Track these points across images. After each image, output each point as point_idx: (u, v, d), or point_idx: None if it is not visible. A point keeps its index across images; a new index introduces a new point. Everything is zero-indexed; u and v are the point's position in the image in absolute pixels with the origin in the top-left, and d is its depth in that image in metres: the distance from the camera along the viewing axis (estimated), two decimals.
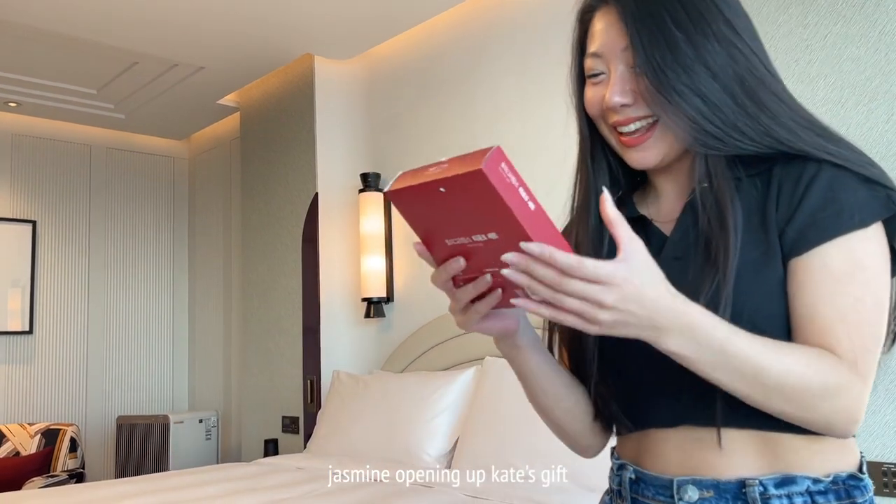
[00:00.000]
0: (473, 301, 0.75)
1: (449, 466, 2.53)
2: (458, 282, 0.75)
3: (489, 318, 0.79)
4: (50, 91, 3.95)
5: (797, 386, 0.71)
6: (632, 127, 0.84)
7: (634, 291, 0.67)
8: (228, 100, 4.15)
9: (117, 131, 4.60)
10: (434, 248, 0.75)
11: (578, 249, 0.88)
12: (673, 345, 0.70)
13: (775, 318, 0.77)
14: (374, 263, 3.30)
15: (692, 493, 0.80)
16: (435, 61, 3.27)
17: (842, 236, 0.75)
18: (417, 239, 0.76)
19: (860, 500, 0.78)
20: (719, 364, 0.71)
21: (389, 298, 3.32)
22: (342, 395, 3.00)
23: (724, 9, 0.82)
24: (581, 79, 0.91)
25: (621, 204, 0.90)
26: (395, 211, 3.38)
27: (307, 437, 3.25)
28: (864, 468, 0.81)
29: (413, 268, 3.28)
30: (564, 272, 0.65)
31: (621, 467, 0.90)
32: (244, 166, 3.97)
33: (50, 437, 3.77)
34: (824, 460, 0.78)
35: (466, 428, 2.53)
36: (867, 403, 0.75)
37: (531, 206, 0.66)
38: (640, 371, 0.83)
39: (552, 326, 0.93)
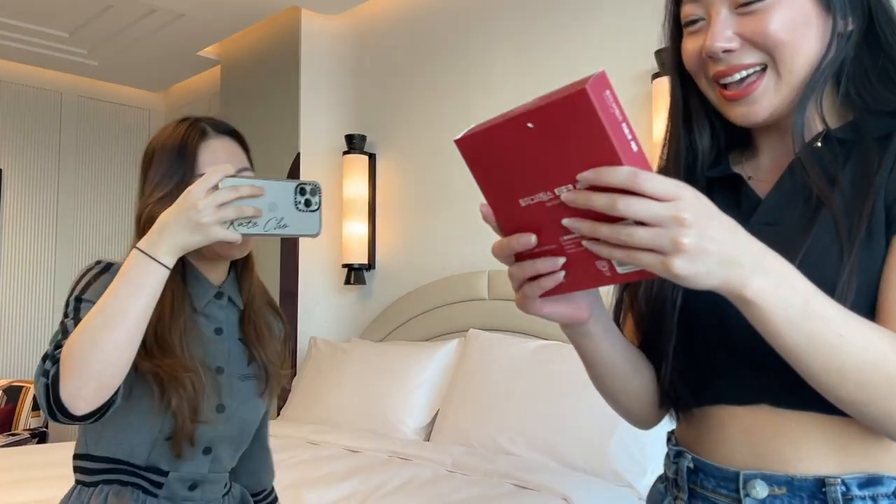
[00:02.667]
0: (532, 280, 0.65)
1: (428, 439, 2.47)
2: (524, 255, 0.65)
3: (556, 303, 0.69)
4: (19, 32, 3.75)
5: (878, 368, 0.62)
6: (736, 76, 0.74)
7: (711, 209, 0.58)
8: (209, 52, 3.98)
9: (90, 79, 4.41)
10: (503, 210, 0.65)
11: None
12: (755, 287, 0.60)
13: (869, 307, 0.68)
14: (357, 229, 3.20)
15: (760, 490, 0.72)
16: (428, 22, 3.15)
17: None
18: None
19: None
20: (798, 322, 0.61)
21: (371, 266, 3.23)
22: (319, 362, 2.92)
23: None
24: (676, 33, 0.81)
25: (716, 162, 0.82)
26: (379, 175, 3.28)
27: (281, 404, 3.17)
28: None
29: (397, 235, 3.18)
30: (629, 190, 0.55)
31: (679, 454, 0.81)
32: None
33: (12, 394, 3.64)
34: None
35: (447, 401, 2.47)
36: None
37: (633, 147, 0.56)
38: (720, 337, 0.75)
39: (622, 301, 0.85)
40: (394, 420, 2.52)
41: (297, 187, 0.98)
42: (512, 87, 2.81)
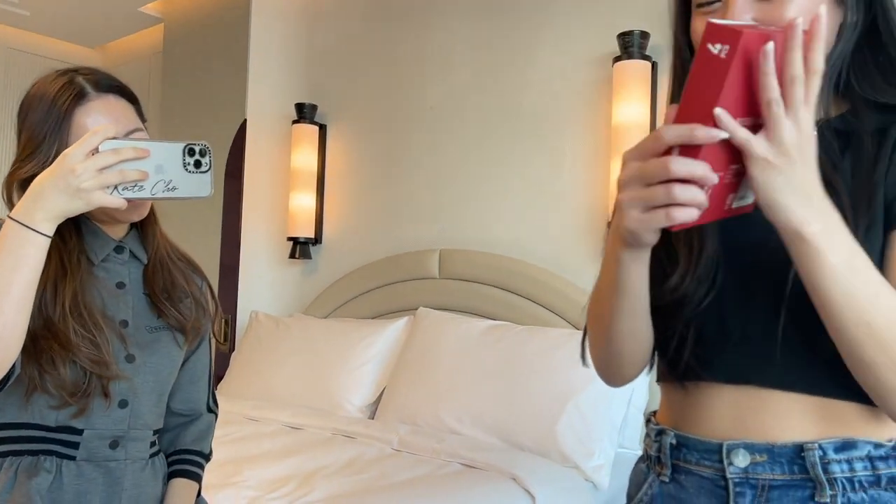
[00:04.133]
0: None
1: (373, 417, 2.43)
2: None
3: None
4: None
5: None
6: None
7: (814, 157, 0.66)
8: (151, 8, 3.78)
9: (20, 30, 4.13)
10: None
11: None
12: (815, 228, 0.65)
13: None
14: (304, 201, 3.11)
15: (743, 458, 0.77)
16: None
17: None
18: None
19: None
20: (842, 273, 0.66)
21: (318, 240, 3.14)
22: (260, 337, 2.83)
23: None
24: (684, 11, 0.83)
25: None
26: (329, 147, 3.18)
27: (218, 379, 3.06)
28: None
29: (346, 209, 3.10)
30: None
31: (660, 432, 0.85)
32: (165, 86, 3.64)
33: None
34: (885, 425, 0.75)
35: (394, 379, 2.42)
36: None
37: None
38: (722, 317, 0.78)
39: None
40: (338, 397, 2.47)
41: (185, 148, 0.96)
42: (470, 63, 2.76)
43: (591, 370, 0.93)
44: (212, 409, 1.29)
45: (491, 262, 2.56)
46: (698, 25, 0.80)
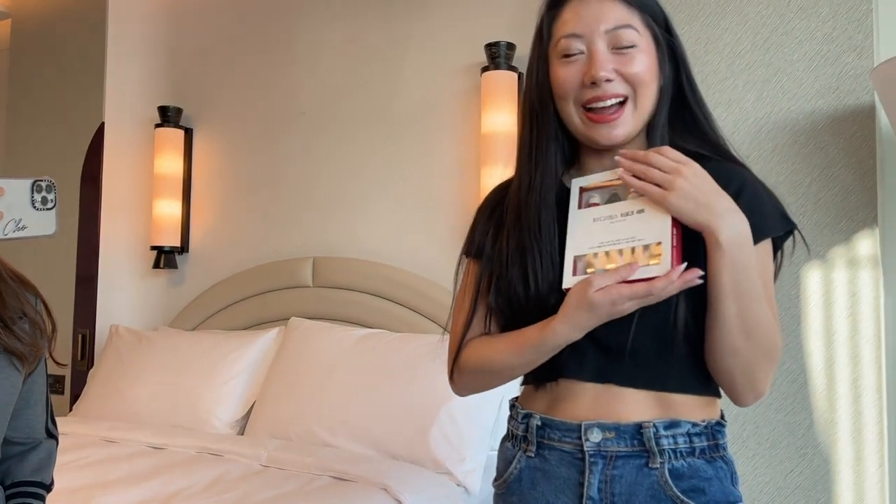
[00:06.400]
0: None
1: (242, 433, 2.34)
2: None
3: None
4: None
5: (763, 325, 0.90)
6: (607, 103, 0.95)
7: (704, 174, 0.88)
8: None
9: None
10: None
11: (536, 225, 1.00)
12: (728, 228, 0.86)
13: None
14: (169, 209, 2.96)
15: (596, 434, 0.96)
16: None
17: (759, 243, 0.93)
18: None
19: (721, 441, 0.99)
20: (740, 272, 0.87)
21: (184, 249, 3.00)
22: (120, 352, 2.66)
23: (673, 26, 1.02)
24: (545, 63, 1.00)
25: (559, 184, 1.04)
26: (196, 152, 3.06)
27: (74, 399, 2.86)
28: (724, 417, 1.02)
29: (214, 216, 2.99)
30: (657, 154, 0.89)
31: (527, 416, 1.03)
32: (13, 85, 3.36)
33: None
34: (702, 411, 0.98)
35: (264, 392, 2.35)
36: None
37: None
38: (592, 330, 0.93)
39: (476, 301, 1.06)
40: (204, 413, 2.36)
41: (32, 185, 0.93)
42: (341, 72, 2.73)
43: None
44: (52, 433, 1.20)
45: (366, 269, 2.54)
46: (561, 73, 0.97)
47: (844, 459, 1.77)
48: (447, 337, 1.12)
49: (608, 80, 0.94)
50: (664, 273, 0.85)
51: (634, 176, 0.90)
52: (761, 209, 0.94)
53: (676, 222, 0.88)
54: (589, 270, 0.92)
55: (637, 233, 0.89)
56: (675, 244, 0.87)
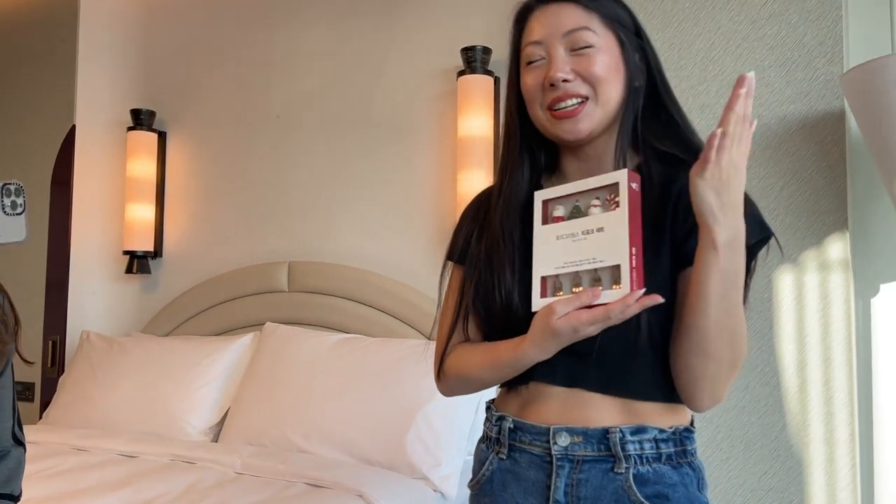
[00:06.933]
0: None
1: (216, 440, 2.31)
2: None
3: None
4: None
5: (738, 334, 0.91)
6: (568, 102, 0.99)
7: (744, 172, 0.86)
8: None
9: None
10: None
11: (501, 232, 1.04)
12: (726, 227, 0.85)
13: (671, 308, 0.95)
14: (142, 213, 2.92)
15: (564, 439, 0.98)
16: None
17: None
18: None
19: (689, 447, 1.00)
20: (725, 278, 0.87)
21: (157, 253, 2.96)
22: (91, 359, 2.62)
23: (640, 21, 1.05)
24: (517, 73, 1.05)
25: (537, 186, 1.05)
26: (170, 155, 3.02)
27: (45, 406, 2.81)
28: (694, 424, 1.03)
29: (188, 221, 2.95)
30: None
31: (500, 418, 1.05)
32: None
33: None
34: (669, 418, 0.99)
35: (239, 399, 2.32)
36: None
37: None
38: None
39: (459, 307, 1.09)
40: (178, 420, 2.33)
41: (1, 188, 0.90)
42: (317, 75, 2.72)
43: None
44: (19, 439, 1.17)
45: (341, 273, 2.53)
46: (528, 79, 1.02)
47: (817, 461, 1.79)
48: (432, 344, 1.16)
49: (566, 81, 0.98)
50: (622, 297, 0.86)
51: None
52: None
53: (636, 241, 0.88)
54: (558, 294, 0.94)
55: (598, 254, 0.90)
56: (634, 265, 0.87)
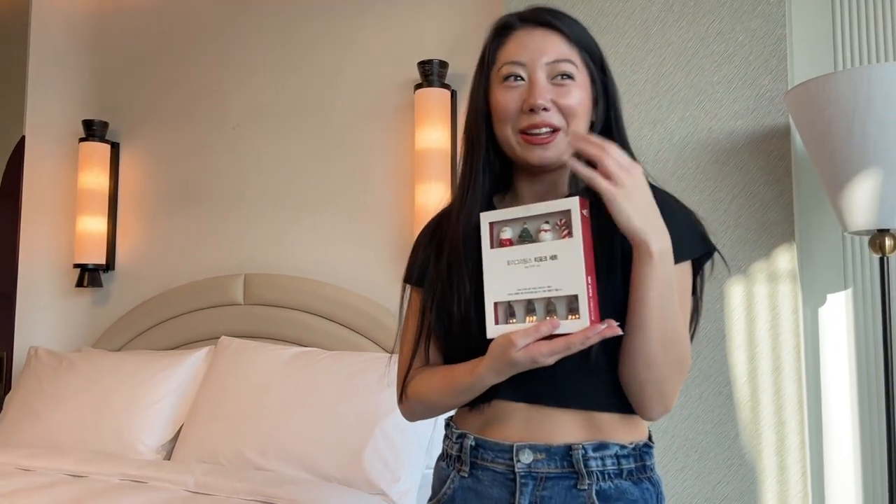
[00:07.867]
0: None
1: (169, 458, 2.26)
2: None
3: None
4: None
5: (680, 338, 0.94)
6: (542, 130, 1.00)
7: (646, 182, 0.91)
8: None
9: None
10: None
11: (457, 251, 1.03)
12: (656, 243, 0.89)
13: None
14: (93, 225, 2.86)
15: (527, 456, 0.99)
16: (185, 6, 2.91)
17: (679, 263, 0.97)
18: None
19: (648, 462, 1.02)
20: (664, 285, 0.90)
21: (110, 266, 2.90)
22: (39, 375, 2.54)
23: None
24: (485, 88, 1.05)
25: (489, 204, 1.06)
26: (123, 167, 2.97)
27: None
28: (652, 439, 1.06)
29: (142, 233, 2.90)
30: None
31: (461, 436, 1.05)
32: None
33: None
34: (629, 433, 1.01)
35: (193, 415, 2.28)
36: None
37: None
38: None
39: (421, 329, 1.08)
40: (129, 439, 2.27)
41: None
42: (273, 87, 2.70)
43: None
44: None
45: (298, 286, 2.50)
46: (501, 98, 1.01)
47: (769, 469, 1.82)
48: (394, 359, 1.15)
49: (545, 109, 0.99)
50: (582, 329, 0.87)
51: (587, 162, 0.90)
52: (681, 231, 0.98)
53: (590, 270, 0.89)
54: (511, 321, 0.93)
55: (553, 282, 0.90)
56: (591, 295, 0.88)
